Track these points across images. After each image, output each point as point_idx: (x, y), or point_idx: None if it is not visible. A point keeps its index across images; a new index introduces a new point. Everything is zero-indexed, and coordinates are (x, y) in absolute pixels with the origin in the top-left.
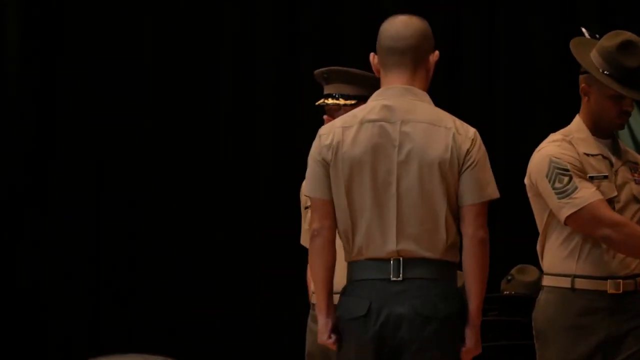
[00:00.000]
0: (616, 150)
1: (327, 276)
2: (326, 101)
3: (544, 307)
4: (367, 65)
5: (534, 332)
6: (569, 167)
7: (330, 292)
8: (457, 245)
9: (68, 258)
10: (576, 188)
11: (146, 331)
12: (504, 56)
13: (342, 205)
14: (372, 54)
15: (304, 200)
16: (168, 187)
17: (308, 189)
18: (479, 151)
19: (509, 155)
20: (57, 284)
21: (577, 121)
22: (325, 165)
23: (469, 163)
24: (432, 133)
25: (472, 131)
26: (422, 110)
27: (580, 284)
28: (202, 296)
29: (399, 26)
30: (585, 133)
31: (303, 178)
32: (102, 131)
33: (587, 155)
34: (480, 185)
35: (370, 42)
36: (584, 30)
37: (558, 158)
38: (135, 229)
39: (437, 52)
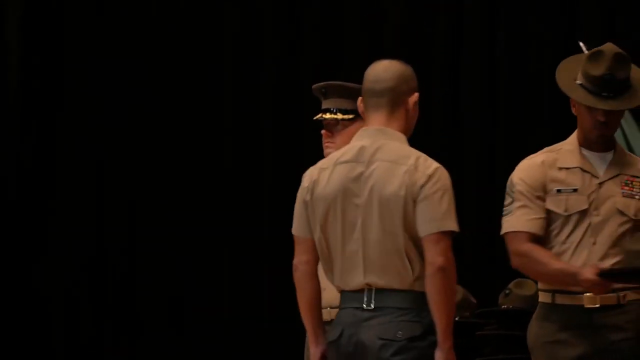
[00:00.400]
0: (613, 162)
1: (310, 308)
2: (324, 116)
3: (533, 322)
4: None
5: (528, 347)
6: (516, 189)
7: (316, 323)
8: None
9: (71, 261)
10: (510, 212)
11: (151, 335)
12: (506, 56)
13: (319, 242)
14: (359, 99)
15: None
16: (172, 189)
17: (293, 227)
18: (435, 185)
19: (510, 159)
20: (60, 286)
21: (574, 133)
22: (305, 205)
23: (422, 196)
24: (391, 171)
25: (432, 167)
26: (389, 149)
27: (559, 299)
28: (207, 299)
29: (379, 70)
30: (573, 145)
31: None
32: (104, 133)
33: (562, 169)
34: (434, 217)
35: (370, 41)
36: (581, 44)
37: (518, 177)
38: (137, 231)
39: (416, 94)
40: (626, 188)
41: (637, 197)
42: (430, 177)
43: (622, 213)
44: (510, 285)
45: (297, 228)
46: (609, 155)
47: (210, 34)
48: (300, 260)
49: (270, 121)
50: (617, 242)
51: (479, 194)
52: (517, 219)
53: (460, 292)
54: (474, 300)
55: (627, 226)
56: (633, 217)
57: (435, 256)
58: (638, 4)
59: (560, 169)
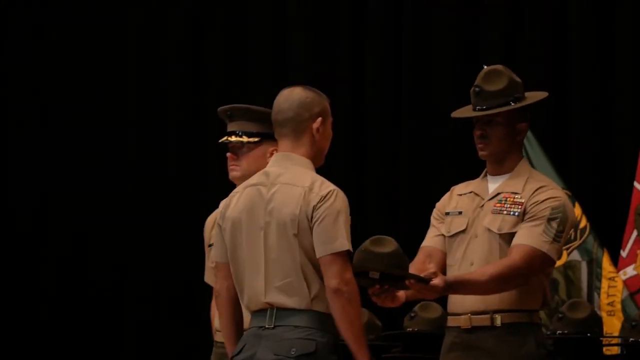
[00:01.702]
0: (503, 183)
1: (232, 331)
2: (229, 139)
3: None
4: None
5: None
6: (432, 215)
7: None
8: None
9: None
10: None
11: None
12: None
13: (231, 265)
14: None
15: (208, 238)
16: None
17: (213, 253)
18: (329, 207)
19: (414, 187)
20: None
21: None
22: (220, 229)
23: (316, 218)
24: (289, 193)
25: (328, 190)
26: (291, 173)
27: (448, 320)
28: None
29: (280, 100)
30: (482, 173)
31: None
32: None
33: (459, 195)
34: (327, 238)
35: (274, 64)
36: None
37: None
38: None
39: (319, 119)
40: (498, 205)
41: (504, 212)
42: (323, 198)
43: (489, 230)
44: (416, 308)
45: (215, 253)
46: (506, 177)
47: (114, 68)
48: (222, 286)
49: (175, 144)
50: (490, 260)
51: (384, 216)
52: (426, 238)
53: (365, 314)
54: (379, 323)
55: (496, 243)
56: (497, 232)
57: (330, 279)
58: (540, 46)
59: (458, 195)
